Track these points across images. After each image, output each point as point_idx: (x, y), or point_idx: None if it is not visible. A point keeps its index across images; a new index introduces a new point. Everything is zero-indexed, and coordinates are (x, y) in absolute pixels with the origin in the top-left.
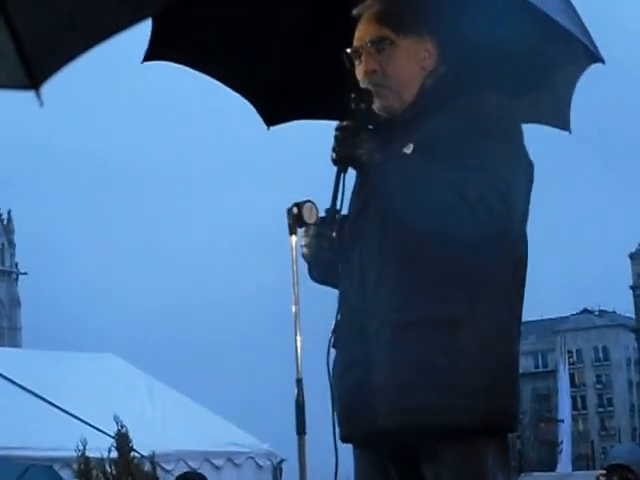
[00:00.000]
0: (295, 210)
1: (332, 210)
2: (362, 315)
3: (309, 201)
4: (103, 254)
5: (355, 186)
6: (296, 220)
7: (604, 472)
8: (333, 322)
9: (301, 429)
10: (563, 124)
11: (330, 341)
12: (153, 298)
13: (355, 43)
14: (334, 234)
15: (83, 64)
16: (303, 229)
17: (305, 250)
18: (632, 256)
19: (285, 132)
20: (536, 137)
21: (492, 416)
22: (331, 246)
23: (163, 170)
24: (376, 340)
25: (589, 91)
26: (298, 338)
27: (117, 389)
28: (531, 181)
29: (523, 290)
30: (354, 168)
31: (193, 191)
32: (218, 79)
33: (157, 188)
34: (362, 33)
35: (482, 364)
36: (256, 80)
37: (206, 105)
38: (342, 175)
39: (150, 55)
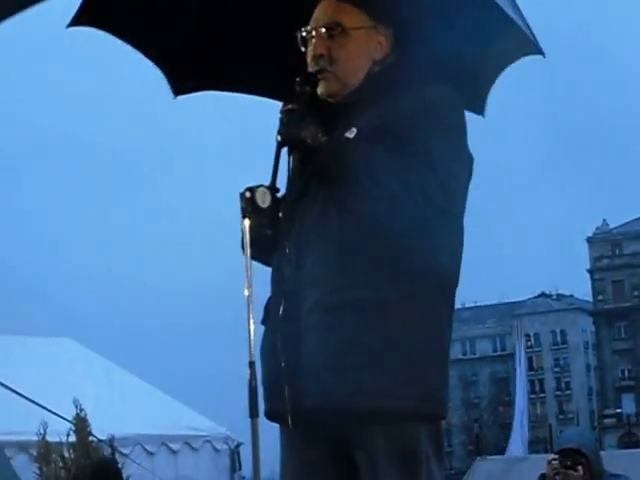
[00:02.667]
0: (248, 194)
1: (272, 188)
2: (295, 295)
3: (262, 185)
4: (66, 238)
5: (293, 168)
6: (249, 204)
7: (555, 456)
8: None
9: (254, 413)
10: (480, 109)
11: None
12: (114, 282)
13: (310, 25)
14: (280, 214)
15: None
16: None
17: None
18: (590, 240)
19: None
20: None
21: (425, 402)
22: (270, 223)
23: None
24: (308, 320)
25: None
26: (251, 321)
27: (74, 373)
28: (470, 174)
29: (457, 280)
30: (298, 150)
31: (148, 176)
32: (136, 47)
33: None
34: (318, 16)
35: (413, 349)
36: (171, 44)
37: None
38: (288, 157)
39: (76, 20)
